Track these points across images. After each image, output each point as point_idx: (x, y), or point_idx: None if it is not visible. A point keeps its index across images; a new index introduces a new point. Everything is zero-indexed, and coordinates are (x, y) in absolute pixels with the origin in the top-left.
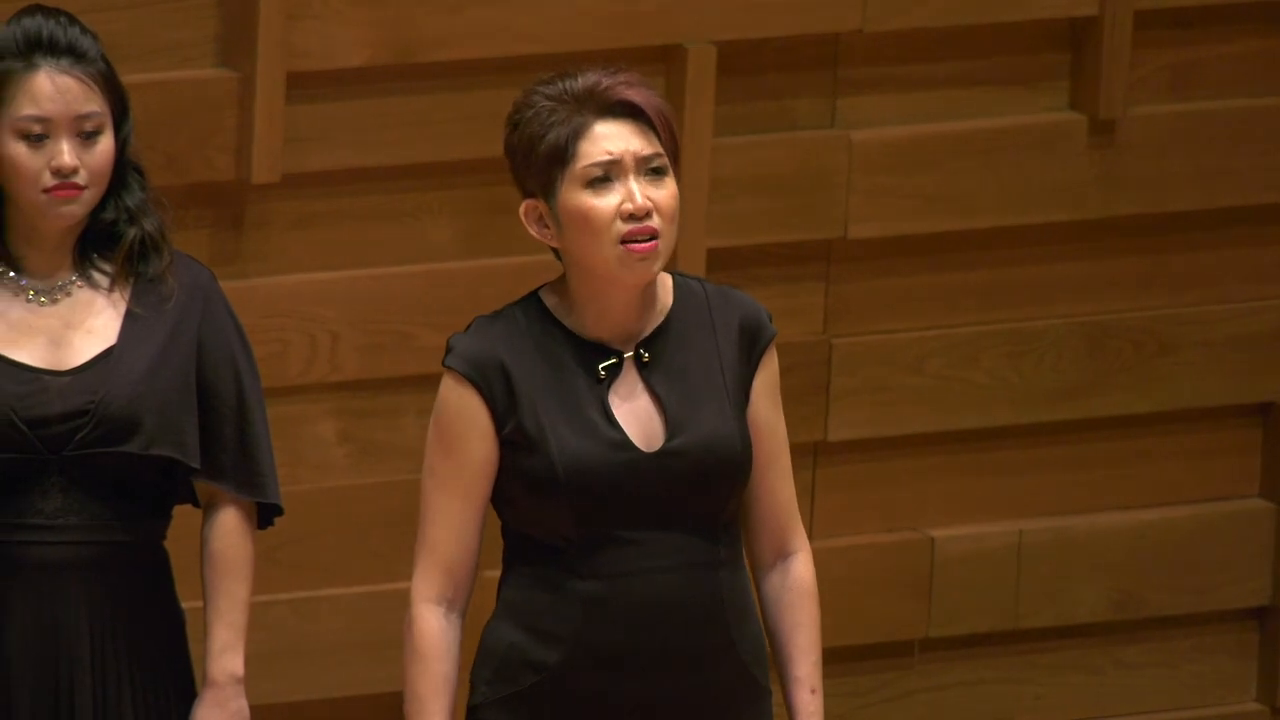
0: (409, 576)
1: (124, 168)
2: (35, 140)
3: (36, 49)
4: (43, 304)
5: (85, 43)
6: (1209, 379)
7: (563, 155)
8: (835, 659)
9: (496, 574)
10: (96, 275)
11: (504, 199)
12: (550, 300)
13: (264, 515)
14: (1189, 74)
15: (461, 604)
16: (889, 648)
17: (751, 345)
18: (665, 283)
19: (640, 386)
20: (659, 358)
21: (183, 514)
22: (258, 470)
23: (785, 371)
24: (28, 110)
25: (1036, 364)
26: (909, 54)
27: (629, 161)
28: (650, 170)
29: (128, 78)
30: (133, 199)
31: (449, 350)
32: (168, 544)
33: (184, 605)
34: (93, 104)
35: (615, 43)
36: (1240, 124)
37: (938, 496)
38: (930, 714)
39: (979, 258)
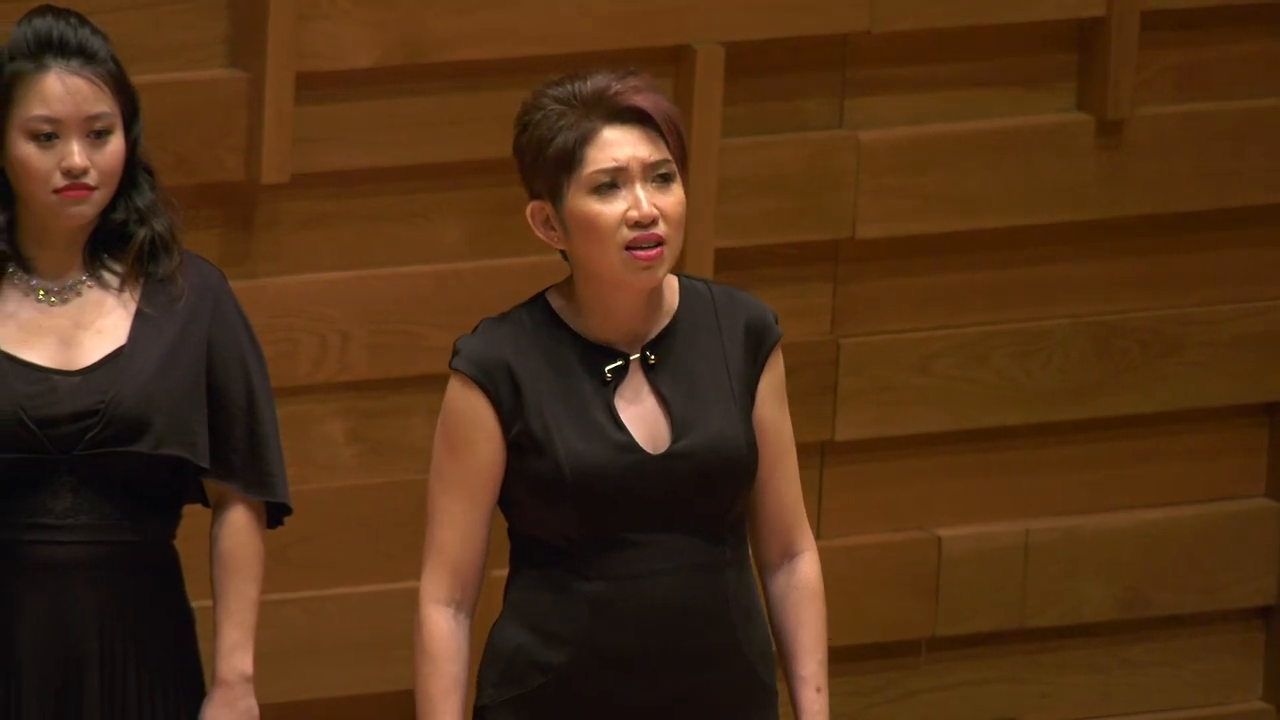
0: (418, 576)
1: (134, 168)
2: (46, 141)
3: (47, 50)
4: (53, 304)
5: (95, 43)
6: (1215, 379)
7: (570, 160)
8: (842, 658)
9: (504, 574)
10: (107, 275)
11: (512, 200)
12: (557, 302)
13: (273, 515)
14: (1195, 75)
15: (470, 604)
16: (896, 647)
17: (757, 347)
18: (671, 284)
19: (646, 389)
20: (665, 360)
21: (192, 513)
22: (267, 470)
23: (792, 371)
24: (38, 111)
25: (1043, 364)
26: (917, 55)
27: (636, 168)
28: (657, 177)
29: (138, 78)
30: (143, 199)
31: (456, 353)
32: (177, 543)
33: (193, 604)
34: (103, 104)
35: (624, 44)
36: (1247, 125)
37: (944, 496)
38: (936, 713)
39: (986, 258)
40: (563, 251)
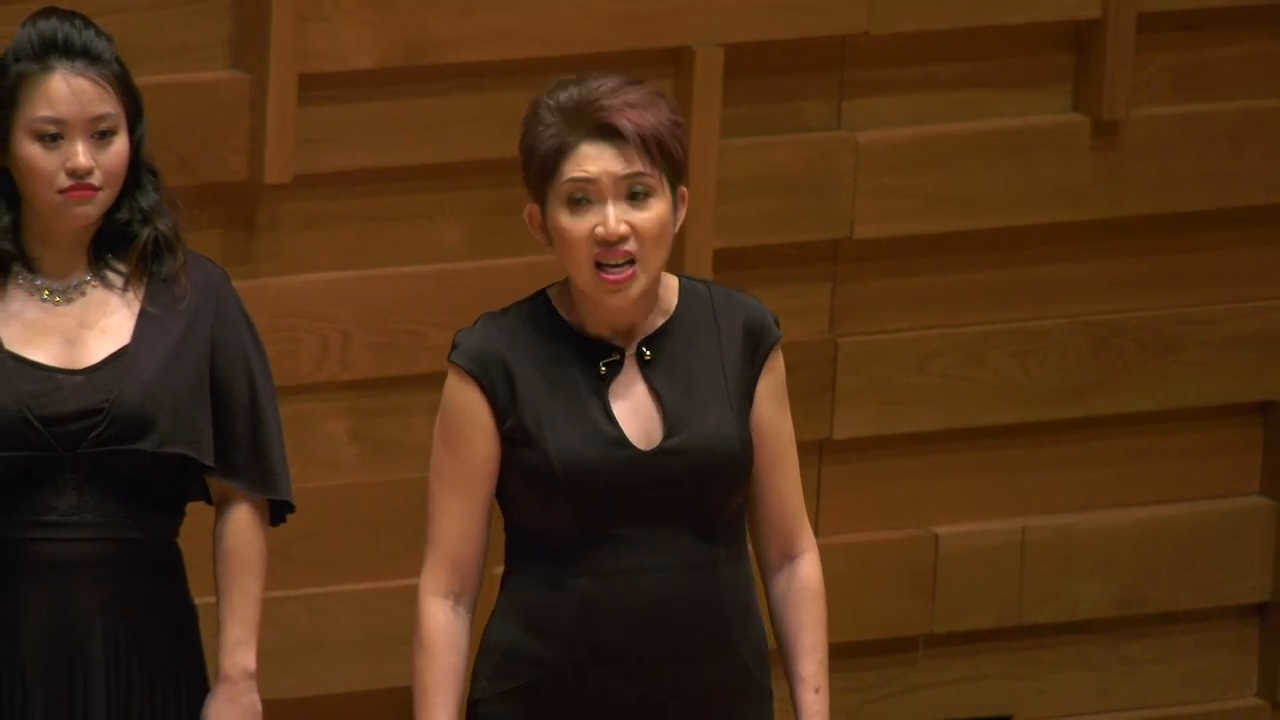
0: (419, 573)
1: (138, 168)
2: (50, 141)
3: (51, 51)
4: (57, 304)
5: (100, 45)
6: (1211, 378)
7: (549, 170)
8: (840, 654)
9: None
10: (111, 275)
11: (513, 200)
12: (557, 297)
13: (276, 512)
14: (1191, 76)
15: (469, 598)
16: (894, 643)
17: (755, 348)
18: (671, 284)
19: (641, 384)
20: (661, 357)
21: (196, 511)
22: (270, 467)
23: (791, 370)
24: (43, 111)
25: (1040, 363)
26: (914, 56)
27: (608, 184)
28: (632, 193)
29: (142, 79)
30: (147, 199)
31: (454, 346)
32: (181, 541)
33: (197, 601)
34: (107, 105)
35: (624, 45)
36: (1243, 125)
37: (942, 494)
38: (934, 709)
39: (984, 258)
40: None
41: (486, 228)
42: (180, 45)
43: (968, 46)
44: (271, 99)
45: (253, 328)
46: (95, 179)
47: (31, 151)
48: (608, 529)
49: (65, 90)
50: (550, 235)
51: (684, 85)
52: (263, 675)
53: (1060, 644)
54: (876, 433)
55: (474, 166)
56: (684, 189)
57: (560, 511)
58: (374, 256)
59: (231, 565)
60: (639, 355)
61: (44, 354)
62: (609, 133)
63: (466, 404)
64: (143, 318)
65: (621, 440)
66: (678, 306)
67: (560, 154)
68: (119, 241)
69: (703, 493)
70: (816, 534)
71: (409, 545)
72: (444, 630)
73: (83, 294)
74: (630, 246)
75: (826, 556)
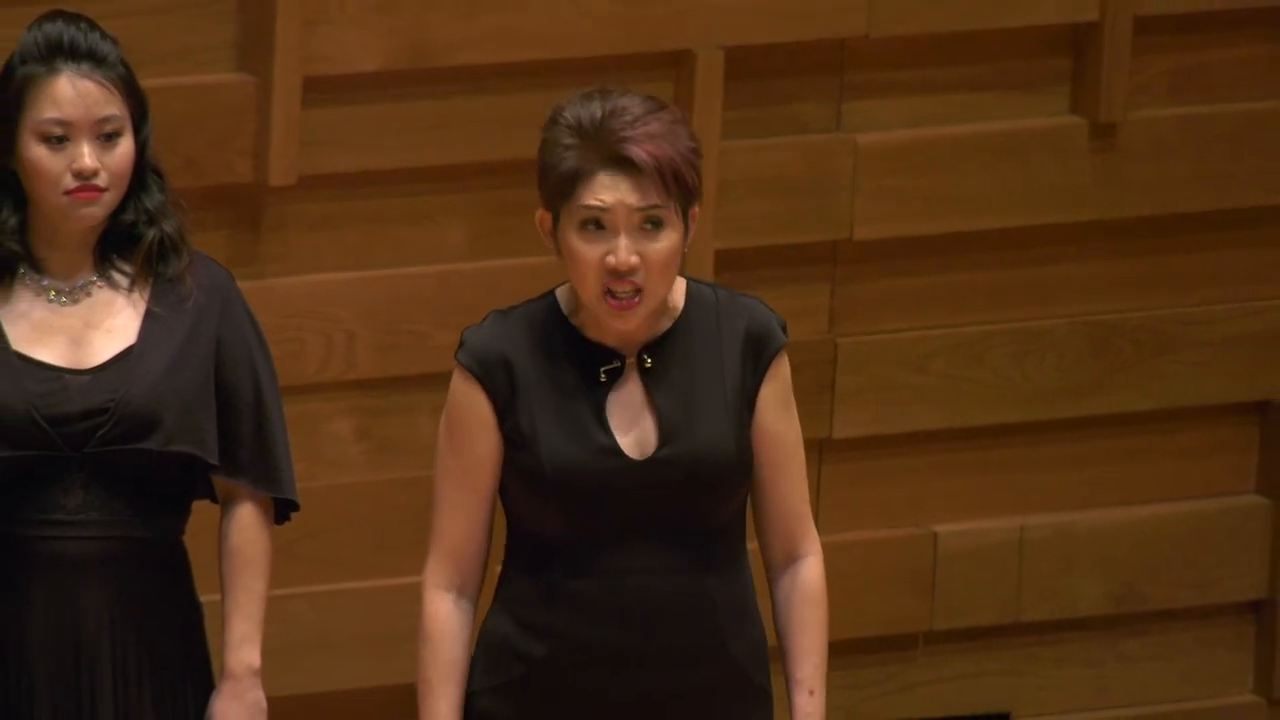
0: (423, 569)
1: (144, 170)
2: (56, 143)
3: (57, 53)
4: (64, 304)
5: (105, 47)
6: (1208, 378)
7: (565, 192)
8: (840, 652)
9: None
10: (117, 276)
11: (516, 201)
12: (565, 299)
13: (281, 510)
14: (1188, 78)
15: (472, 591)
16: (893, 640)
17: (758, 354)
18: (678, 287)
19: (640, 392)
20: (661, 364)
21: (201, 509)
22: (275, 466)
23: (792, 370)
24: (49, 113)
25: (1039, 363)
26: (913, 59)
27: (622, 214)
28: (647, 222)
29: (148, 82)
30: (152, 201)
31: (461, 344)
32: (186, 539)
33: (202, 599)
34: (112, 107)
35: (626, 48)
36: (1240, 127)
37: (941, 493)
38: (934, 705)
39: (982, 259)
40: None
41: (489, 229)
42: (186, 48)
43: (966, 49)
44: (276, 101)
45: (258, 328)
46: (101, 180)
47: (38, 153)
48: (600, 532)
49: (71, 92)
50: (560, 247)
51: (685, 88)
52: (268, 672)
53: (1058, 641)
54: (876, 432)
55: (477, 168)
56: (696, 209)
57: (553, 514)
58: (378, 257)
59: (237, 563)
60: (640, 362)
61: (50, 354)
62: (627, 164)
63: (470, 402)
64: (148, 318)
65: (614, 449)
66: (683, 311)
67: (577, 178)
68: (125, 242)
69: (696, 500)
70: (817, 532)
71: (413, 543)
72: (446, 622)
73: (89, 294)
74: (639, 277)
75: (827, 555)
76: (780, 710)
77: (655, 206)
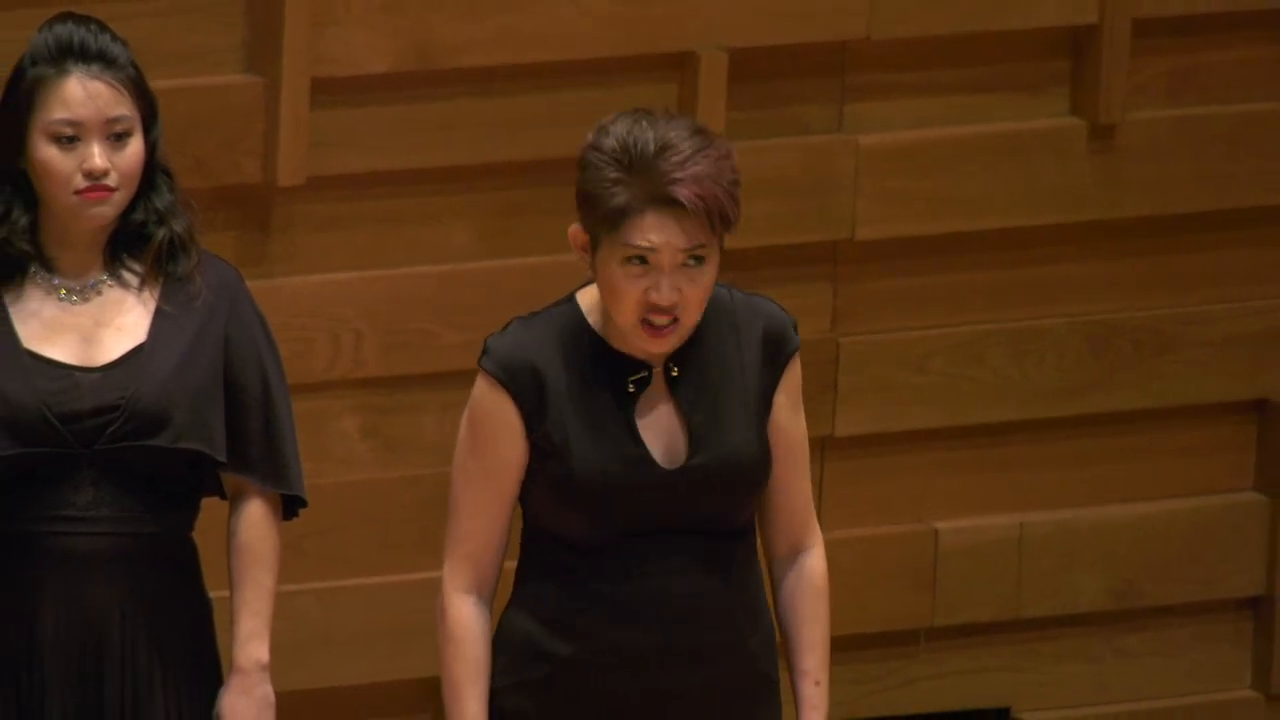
0: (431, 567)
1: (153, 170)
2: (67, 143)
3: (68, 55)
4: (74, 302)
5: (115, 49)
6: (1206, 377)
7: (610, 224)
8: (843, 647)
9: (514, 563)
10: (127, 275)
11: (520, 202)
12: (587, 306)
13: (289, 507)
14: (1186, 80)
15: (489, 593)
16: (895, 636)
17: (775, 357)
18: None
19: (667, 401)
20: (687, 372)
21: (211, 506)
22: (283, 463)
23: None
24: (59, 114)
25: (1039, 362)
26: (914, 61)
27: (667, 254)
28: (691, 259)
29: (157, 83)
30: (162, 201)
31: (485, 351)
32: (196, 535)
33: (211, 595)
34: (122, 108)
35: (630, 49)
36: (1238, 128)
37: (942, 490)
38: (935, 700)
39: (983, 259)
40: None
41: (495, 229)
42: (195, 50)
43: (967, 51)
44: (285, 103)
45: (266, 326)
46: (111, 180)
47: (48, 153)
48: (627, 537)
49: (81, 93)
50: (596, 270)
51: (688, 89)
52: (275, 667)
53: (1058, 637)
54: (877, 430)
55: (483, 170)
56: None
57: (579, 521)
58: (385, 257)
59: (245, 559)
60: (666, 371)
61: (61, 352)
62: (675, 204)
63: (497, 410)
64: (158, 316)
65: (644, 459)
66: (704, 317)
67: (624, 215)
68: (135, 242)
69: (722, 504)
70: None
71: (419, 540)
72: (470, 623)
73: (99, 293)
74: (677, 309)
75: (829, 551)
76: (783, 700)
77: (700, 246)
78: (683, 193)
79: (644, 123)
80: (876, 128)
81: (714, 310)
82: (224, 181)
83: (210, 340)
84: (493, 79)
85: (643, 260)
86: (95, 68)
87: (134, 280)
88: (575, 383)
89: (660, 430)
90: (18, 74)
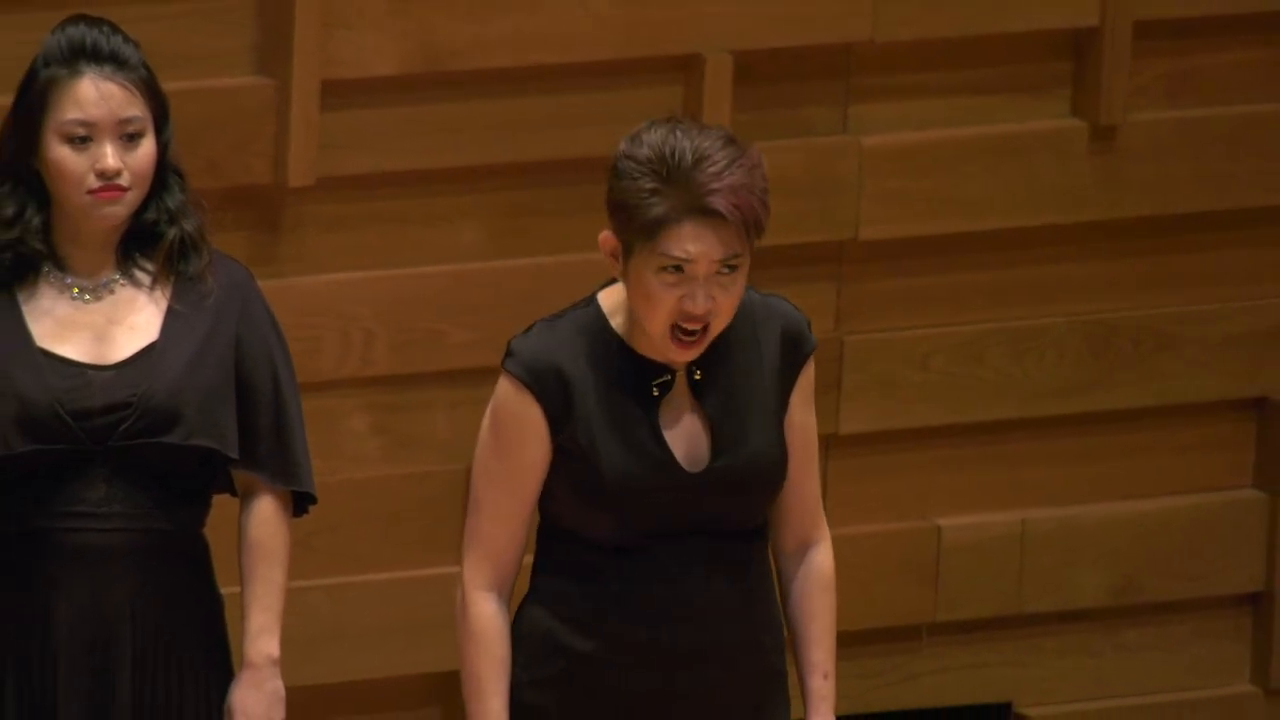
0: (440, 563)
1: (165, 171)
2: (80, 143)
3: (81, 56)
4: (87, 301)
5: (127, 50)
6: (1206, 375)
7: (646, 234)
8: (846, 642)
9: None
10: (139, 274)
11: (529, 202)
12: (609, 308)
13: (299, 504)
14: (1187, 82)
15: (507, 592)
16: (897, 632)
17: (793, 356)
18: None
19: (690, 404)
20: (710, 375)
21: (222, 503)
22: (293, 460)
23: None
24: (72, 114)
25: (1039, 360)
26: (918, 63)
27: (704, 264)
28: (725, 268)
29: (169, 85)
30: (173, 200)
31: (509, 353)
32: (207, 531)
33: (222, 590)
34: (135, 109)
35: (635, 52)
36: (1237, 129)
37: (944, 487)
38: (937, 695)
39: (985, 259)
40: None
41: (502, 229)
42: (206, 52)
43: (969, 54)
44: (295, 104)
45: (276, 325)
46: (124, 180)
47: (61, 154)
48: (649, 537)
49: (94, 94)
50: (628, 276)
51: (694, 91)
52: (286, 662)
53: (1059, 632)
54: (881, 428)
55: (491, 170)
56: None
57: (604, 522)
58: (394, 257)
59: (256, 555)
60: (689, 374)
61: (74, 350)
62: (712, 214)
63: (522, 412)
64: (170, 315)
65: (670, 463)
66: None
67: (661, 225)
68: (147, 241)
69: (743, 505)
70: None
71: (428, 536)
72: (492, 620)
73: (112, 292)
74: (709, 319)
75: (833, 547)
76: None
77: (735, 255)
78: (720, 203)
79: (678, 132)
80: (880, 129)
81: (736, 313)
82: (235, 182)
83: (221, 339)
84: (501, 81)
85: (678, 269)
86: (108, 69)
87: (146, 279)
88: (600, 386)
89: (683, 433)
90: (31, 75)
